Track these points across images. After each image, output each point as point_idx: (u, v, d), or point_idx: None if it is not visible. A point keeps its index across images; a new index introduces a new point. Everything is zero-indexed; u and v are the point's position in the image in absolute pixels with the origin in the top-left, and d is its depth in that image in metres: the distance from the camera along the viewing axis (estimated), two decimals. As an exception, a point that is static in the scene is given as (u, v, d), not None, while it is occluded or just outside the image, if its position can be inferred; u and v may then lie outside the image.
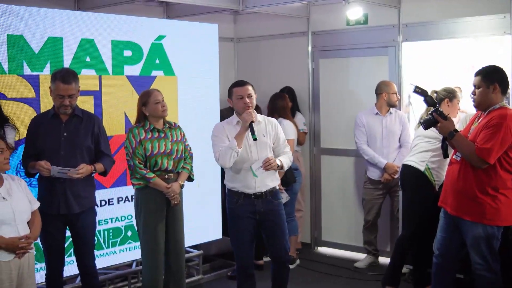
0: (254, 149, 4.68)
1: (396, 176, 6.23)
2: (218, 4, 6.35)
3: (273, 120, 4.92)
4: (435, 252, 4.75)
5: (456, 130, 4.44)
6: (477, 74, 4.47)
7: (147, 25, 5.61)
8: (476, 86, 4.44)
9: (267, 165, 4.57)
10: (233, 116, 4.81)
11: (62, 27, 4.99)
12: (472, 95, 4.49)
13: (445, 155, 4.70)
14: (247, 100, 4.64)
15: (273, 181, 4.78)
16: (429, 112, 4.59)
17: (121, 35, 5.38)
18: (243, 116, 4.59)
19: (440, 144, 5.28)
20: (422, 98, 4.65)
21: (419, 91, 4.60)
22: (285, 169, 4.91)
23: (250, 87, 4.71)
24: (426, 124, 4.57)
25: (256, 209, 4.70)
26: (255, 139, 4.55)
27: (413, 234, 5.53)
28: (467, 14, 6.04)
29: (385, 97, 6.29)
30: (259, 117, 4.77)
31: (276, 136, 4.82)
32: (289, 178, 6.09)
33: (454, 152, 4.62)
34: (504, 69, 4.49)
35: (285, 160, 4.78)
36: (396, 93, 6.27)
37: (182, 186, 4.92)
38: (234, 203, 4.75)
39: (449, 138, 4.45)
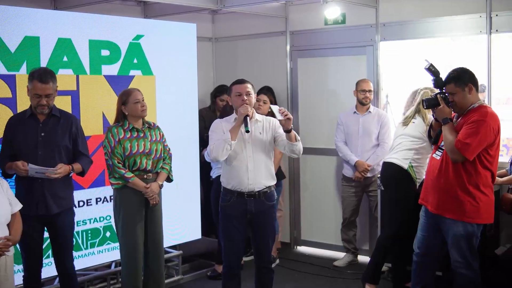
0: (249, 146, 4.64)
1: (367, 175, 6.30)
2: (196, 3, 6.33)
3: (273, 119, 4.86)
4: (416, 250, 4.77)
5: (450, 119, 4.46)
6: (447, 82, 4.46)
7: (124, 24, 5.56)
8: (452, 94, 4.44)
9: (283, 112, 4.46)
10: (232, 114, 4.77)
11: (38, 26, 4.93)
12: (451, 105, 4.47)
13: (435, 141, 4.68)
14: (245, 98, 4.63)
15: (268, 179, 4.73)
16: (435, 93, 4.57)
17: (99, 34, 5.34)
18: (239, 109, 4.57)
19: (423, 144, 5.36)
20: (432, 77, 4.57)
21: (432, 69, 4.54)
22: (297, 141, 4.61)
23: (249, 85, 4.69)
24: (429, 103, 4.56)
25: (247, 209, 4.67)
26: (247, 131, 4.50)
27: (397, 233, 5.53)
28: (443, 14, 6.10)
29: (355, 94, 6.36)
30: (259, 117, 4.75)
31: (276, 131, 4.72)
32: (278, 174, 6.03)
33: (434, 151, 4.65)
34: (469, 68, 4.50)
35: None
36: (364, 91, 6.30)
37: (161, 186, 4.90)
38: (226, 201, 4.72)
39: (443, 123, 4.46)
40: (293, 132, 4.56)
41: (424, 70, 4.59)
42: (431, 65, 4.55)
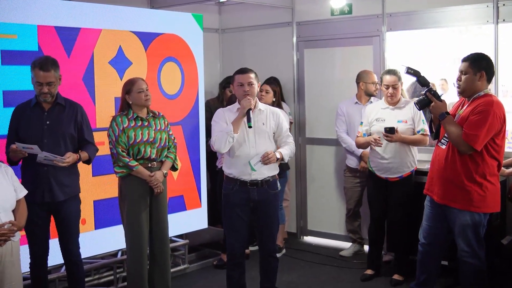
0: (252, 137, 4.66)
1: None
2: (203, -6, 6.35)
3: (277, 110, 4.89)
4: (421, 240, 4.77)
5: (447, 112, 4.45)
6: (464, 60, 4.44)
7: (130, 14, 5.59)
8: (463, 72, 4.42)
9: (266, 160, 4.57)
10: (235, 103, 4.80)
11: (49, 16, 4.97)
12: (457, 81, 4.47)
13: (436, 137, 4.68)
14: (247, 88, 4.65)
15: (271, 170, 4.75)
16: (423, 92, 4.57)
17: (104, 24, 5.35)
18: (242, 103, 4.61)
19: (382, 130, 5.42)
20: (415, 78, 4.63)
21: (411, 72, 4.60)
22: (286, 161, 4.85)
23: (251, 75, 4.70)
24: (420, 104, 4.56)
25: (250, 197, 4.69)
26: (250, 127, 4.55)
27: (372, 222, 5.85)
28: (450, 4, 6.07)
29: (362, 86, 6.32)
30: (262, 107, 4.77)
31: (278, 126, 4.77)
32: (283, 164, 6.02)
33: (439, 140, 4.64)
34: (491, 58, 4.49)
35: (286, 151, 4.73)
36: (374, 83, 6.27)
37: (165, 175, 4.91)
38: (229, 190, 4.75)
39: (440, 119, 4.45)
40: (280, 159, 4.70)
41: (405, 75, 4.70)
42: (409, 68, 4.62)
